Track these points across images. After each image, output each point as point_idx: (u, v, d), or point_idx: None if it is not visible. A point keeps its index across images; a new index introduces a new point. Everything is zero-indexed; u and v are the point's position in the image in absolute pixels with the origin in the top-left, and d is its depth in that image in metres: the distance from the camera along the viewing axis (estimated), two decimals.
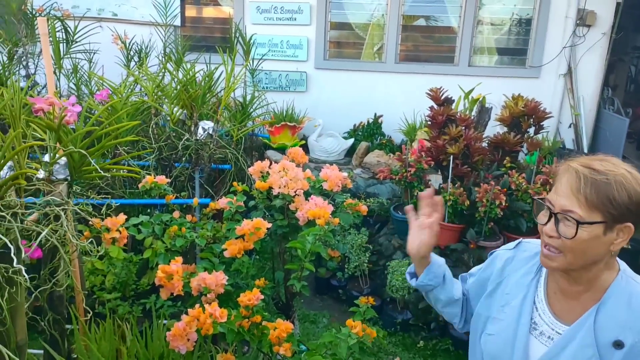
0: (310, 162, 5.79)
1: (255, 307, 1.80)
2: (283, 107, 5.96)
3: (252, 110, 4.39)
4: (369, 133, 6.18)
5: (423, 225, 1.47)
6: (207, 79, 3.35)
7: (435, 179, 4.64)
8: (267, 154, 5.72)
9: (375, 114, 6.22)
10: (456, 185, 3.88)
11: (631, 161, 7.62)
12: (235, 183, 2.49)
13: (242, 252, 2.10)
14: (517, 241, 1.51)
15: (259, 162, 2.53)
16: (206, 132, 3.22)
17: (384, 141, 6.01)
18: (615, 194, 1.16)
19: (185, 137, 3.13)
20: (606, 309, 1.26)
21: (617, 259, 1.31)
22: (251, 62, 5.07)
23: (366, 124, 6.24)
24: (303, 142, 6.06)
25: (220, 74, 3.69)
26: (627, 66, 9.63)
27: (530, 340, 1.35)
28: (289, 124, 5.81)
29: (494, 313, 1.42)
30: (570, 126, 5.84)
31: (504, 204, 3.61)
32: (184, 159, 3.13)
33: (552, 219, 1.22)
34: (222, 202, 2.40)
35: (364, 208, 2.71)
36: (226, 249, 2.11)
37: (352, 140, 6.06)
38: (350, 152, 6.09)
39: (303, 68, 6.24)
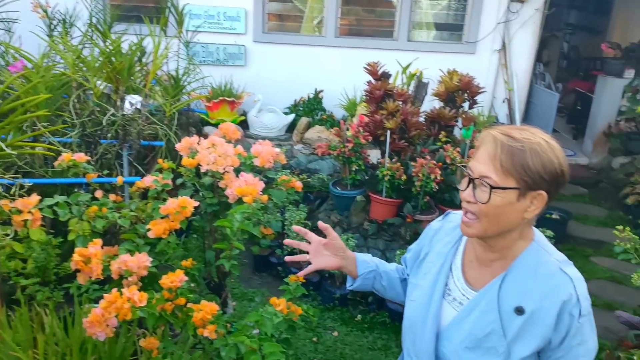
0: (250, 139, 5.69)
1: (180, 289, 1.74)
2: (221, 81, 5.80)
3: (186, 84, 4.23)
4: (309, 108, 6.12)
5: (318, 251, 1.54)
6: (133, 50, 3.18)
7: (374, 155, 4.65)
8: (205, 130, 5.56)
9: (316, 89, 6.16)
10: (393, 160, 3.89)
11: (562, 135, 7.93)
12: (160, 160, 2.38)
13: (168, 233, 2.02)
14: (445, 212, 1.55)
15: (187, 138, 2.43)
16: (134, 107, 3.07)
17: (324, 116, 5.97)
18: (529, 161, 1.18)
19: (111, 112, 2.97)
20: (512, 276, 1.29)
21: (534, 229, 1.34)
22: (185, 33, 4.87)
23: (307, 99, 6.18)
24: (243, 117, 5.94)
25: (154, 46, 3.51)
26: (559, 42, 9.93)
27: (444, 306, 1.38)
28: (227, 99, 5.67)
29: (417, 280, 1.46)
30: (504, 101, 5.98)
31: (439, 178, 3.65)
32: (109, 135, 2.97)
33: (471, 185, 1.24)
34: (148, 181, 2.29)
35: (298, 184, 2.65)
36: (150, 230, 2.02)
37: (292, 116, 5.99)
38: (291, 128, 6.03)
39: (241, 41, 6.08)
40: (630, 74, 6.37)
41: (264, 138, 5.47)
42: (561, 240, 4.58)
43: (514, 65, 5.93)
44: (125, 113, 3.03)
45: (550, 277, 1.26)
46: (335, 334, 3.44)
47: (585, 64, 9.32)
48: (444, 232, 1.48)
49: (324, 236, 1.56)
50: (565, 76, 9.25)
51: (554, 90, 6.05)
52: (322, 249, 1.54)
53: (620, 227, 2.32)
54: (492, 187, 1.19)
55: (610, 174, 6.31)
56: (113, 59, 3.06)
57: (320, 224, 1.56)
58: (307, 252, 1.55)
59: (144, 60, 4.08)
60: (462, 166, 1.32)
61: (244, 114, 6.03)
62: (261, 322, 1.71)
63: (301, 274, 1.57)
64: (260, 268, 4.13)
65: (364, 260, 1.60)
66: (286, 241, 1.63)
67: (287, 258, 1.57)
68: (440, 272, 1.41)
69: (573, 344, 1.25)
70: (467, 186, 1.26)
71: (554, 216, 4.69)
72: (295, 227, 1.61)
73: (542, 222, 4.50)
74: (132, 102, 3.08)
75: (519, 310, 1.25)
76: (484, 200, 1.21)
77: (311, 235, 1.56)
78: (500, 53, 5.94)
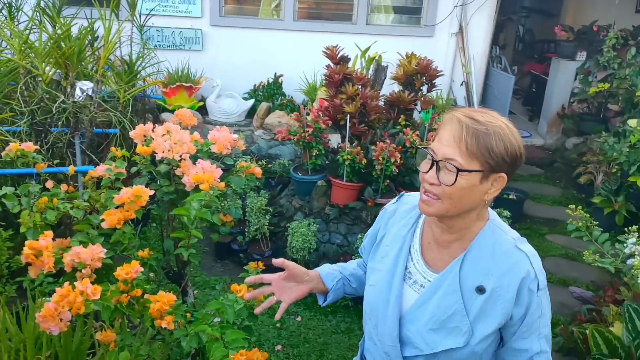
0: (209, 125, 5.59)
1: (136, 281, 1.70)
2: (178, 66, 5.67)
3: (140, 69, 4.11)
4: (269, 93, 6.06)
5: (282, 287, 1.53)
6: (83, 34, 3.06)
7: (334, 139, 4.65)
8: (163, 116, 5.44)
9: (276, 74, 6.10)
10: (354, 145, 3.90)
11: (518, 117, 8.09)
12: (113, 148, 2.31)
13: (123, 223, 1.96)
14: (399, 194, 1.54)
15: (141, 125, 2.36)
16: (85, 94, 2.97)
17: (284, 101, 5.92)
18: (494, 144, 1.19)
19: (61, 99, 2.86)
20: (471, 257, 1.31)
21: (489, 209, 1.36)
22: (138, 17, 4.73)
23: (266, 84, 6.11)
24: (201, 103, 5.83)
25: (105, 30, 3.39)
26: (515, 25, 10.10)
27: (405, 289, 1.38)
28: (184, 84, 5.55)
29: (375, 264, 1.46)
30: (462, 84, 6.05)
31: (399, 161, 3.68)
32: (60, 123, 2.87)
33: (434, 167, 1.24)
34: (101, 170, 2.22)
35: (257, 171, 2.62)
36: (104, 220, 1.96)
37: (252, 101, 5.92)
38: (251, 113, 5.96)
39: (198, 25, 5.95)
40: (582, 56, 6.54)
41: (223, 124, 5.38)
42: (518, 220, 4.70)
43: (471, 49, 6.00)
44: (76, 100, 2.93)
45: (507, 255, 1.28)
46: (299, 319, 3.45)
47: (539, 47, 9.51)
48: (399, 214, 1.48)
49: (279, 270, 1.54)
50: (520, 59, 9.42)
51: (510, 73, 6.16)
52: (284, 283, 1.52)
53: (573, 206, 2.39)
54: (458, 170, 1.19)
55: (564, 154, 6.50)
56: (62, 44, 2.95)
57: (274, 261, 1.52)
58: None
59: (95, 45, 3.95)
60: (423, 147, 1.31)
61: (203, 99, 5.93)
62: (222, 309, 1.69)
63: (277, 316, 1.52)
64: (222, 255, 4.09)
65: (328, 273, 1.58)
66: (247, 295, 1.58)
67: (257, 310, 1.54)
68: (399, 256, 1.40)
69: (535, 317, 1.29)
70: (430, 168, 1.25)
71: (511, 196, 4.80)
72: (247, 279, 1.57)
73: (499, 202, 4.60)
74: (83, 88, 2.98)
75: (480, 290, 1.28)
76: (450, 183, 1.21)
77: (267, 277, 1.53)
78: (457, 36, 6.00)
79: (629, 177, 4.54)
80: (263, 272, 2.05)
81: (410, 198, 1.48)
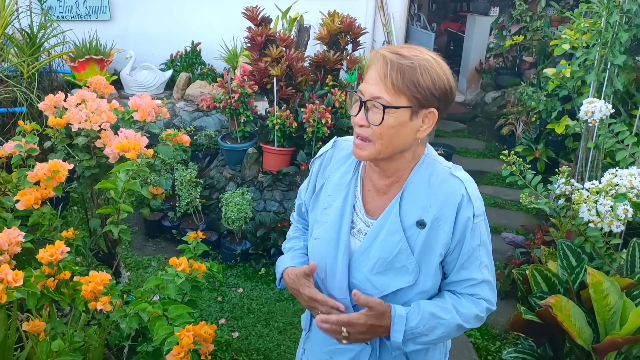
0: (126, 100, 5.26)
1: (62, 262, 1.53)
2: (85, 38, 5.26)
3: (43, 40, 3.77)
4: (188, 63, 5.79)
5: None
6: None
7: (262, 105, 4.51)
8: (74, 93, 5.06)
9: (193, 42, 5.82)
10: (282, 109, 3.79)
11: None
12: (21, 122, 2.08)
13: (40, 202, 1.77)
14: (332, 140, 1.47)
15: (51, 95, 2.14)
16: None
17: (205, 70, 5.68)
18: (420, 77, 1.15)
19: None
20: (409, 193, 1.28)
21: (428, 145, 1.32)
22: None
23: (184, 53, 5.83)
24: (115, 77, 5.48)
25: None
26: None
27: (350, 239, 1.35)
28: (94, 57, 5.18)
29: (318, 216, 1.39)
30: (383, 43, 6.04)
31: (330, 122, 3.62)
32: None
33: (363, 108, 1.20)
34: (9, 147, 1.99)
35: (185, 138, 2.46)
36: (19, 201, 1.76)
37: (170, 72, 5.64)
38: (170, 85, 5.68)
39: None
40: (495, 11, 6.71)
41: None
42: None
43: (390, 7, 5.98)
44: None
45: (442, 183, 1.26)
46: (240, 290, 3.35)
47: (453, 6, 9.71)
48: (336, 161, 1.41)
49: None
50: (435, 19, 9.57)
51: (429, 30, 6.21)
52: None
53: (506, 152, 2.42)
54: (384, 107, 1.15)
55: (484, 109, 6.70)
56: None
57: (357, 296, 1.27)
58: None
59: None
60: (353, 91, 1.26)
61: (116, 73, 5.57)
62: (162, 285, 1.57)
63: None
64: (153, 233, 3.90)
65: (293, 259, 1.46)
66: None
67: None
68: (344, 207, 1.35)
69: (474, 245, 1.27)
70: (359, 110, 1.21)
71: (439, 152, 4.87)
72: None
73: None
74: None
75: (421, 224, 1.25)
76: (377, 122, 1.17)
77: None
78: None
79: (547, 124, 4.74)
80: (202, 241, 1.94)
81: (346, 143, 1.42)
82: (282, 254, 1.54)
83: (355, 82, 3.91)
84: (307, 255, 1.47)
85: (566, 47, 3.57)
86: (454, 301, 1.30)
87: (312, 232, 1.42)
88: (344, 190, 1.37)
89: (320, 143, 3.73)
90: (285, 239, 1.59)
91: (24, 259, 1.77)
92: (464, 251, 1.27)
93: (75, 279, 1.59)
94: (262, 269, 3.54)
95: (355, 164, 1.38)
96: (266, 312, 3.16)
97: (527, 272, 2.37)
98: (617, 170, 1.97)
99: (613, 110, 2.47)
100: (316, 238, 1.40)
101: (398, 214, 1.27)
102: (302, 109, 3.69)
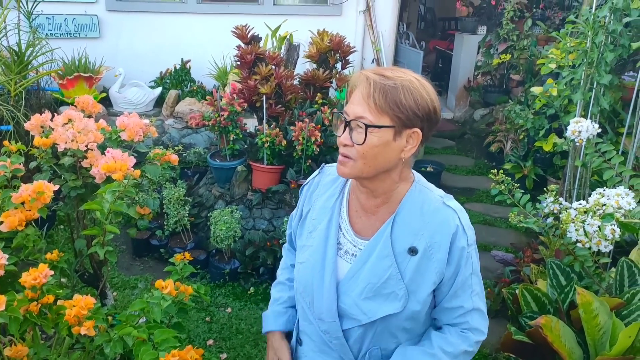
0: (114, 117, 5.23)
1: (46, 286, 1.50)
2: (75, 56, 5.25)
3: (31, 58, 3.75)
4: (177, 80, 5.79)
5: None
6: None
7: (251, 123, 4.51)
8: (61, 110, 5.03)
9: (183, 59, 5.82)
10: (272, 126, 3.78)
11: None
12: (6, 142, 2.06)
13: (24, 224, 1.74)
14: (321, 166, 1.49)
15: (37, 115, 2.12)
16: None
17: (194, 88, 5.68)
18: (402, 97, 1.17)
19: None
20: (401, 219, 1.28)
21: (413, 170, 1.34)
22: (25, 3, 4.31)
23: (173, 70, 5.83)
24: (104, 94, 5.46)
25: None
26: (417, 5, 10.36)
27: (337, 261, 1.34)
28: (83, 74, 5.16)
29: (304, 241, 1.40)
30: (372, 61, 6.08)
31: (319, 140, 3.62)
32: None
33: (347, 128, 1.21)
34: None
35: (174, 157, 2.44)
36: (3, 222, 1.73)
37: (160, 89, 5.63)
38: (160, 102, 5.67)
39: (92, 10, 5.53)
40: (483, 30, 6.79)
41: None
42: None
43: (379, 26, 6.03)
44: None
45: (435, 212, 1.27)
46: (229, 310, 3.31)
47: (441, 24, 9.83)
48: (323, 186, 1.43)
49: None
50: (424, 37, 9.67)
51: (418, 48, 6.27)
52: None
53: (494, 171, 2.43)
54: (367, 126, 1.17)
55: (473, 126, 6.74)
56: None
57: None
58: None
59: None
60: (339, 112, 1.27)
61: (105, 90, 5.55)
62: (148, 309, 1.54)
63: None
64: (141, 252, 3.85)
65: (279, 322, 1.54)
66: None
67: None
68: (329, 228, 1.35)
69: (467, 274, 1.28)
70: (344, 130, 1.22)
71: (428, 169, 4.90)
72: None
73: None
74: None
75: (412, 251, 1.26)
76: (360, 142, 1.18)
77: None
78: (365, 14, 6.01)
79: (535, 142, 4.77)
80: (190, 262, 1.92)
81: (332, 169, 1.43)
82: (272, 272, 1.54)
83: (345, 100, 3.92)
84: (291, 308, 1.52)
85: (552, 66, 3.61)
86: (441, 342, 1.30)
87: (298, 257, 1.42)
88: (328, 212, 1.37)
89: (310, 161, 3.72)
90: (274, 258, 1.60)
91: (6, 282, 1.74)
92: (458, 280, 1.28)
93: (59, 302, 1.57)
94: (251, 288, 3.51)
95: (341, 187, 1.39)
96: (255, 332, 3.12)
97: (517, 291, 2.36)
98: (604, 190, 1.98)
99: (600, 130, 2.49)
100: (302, 262, 1.39)
101: (390, 238, 1.27)
102: (292, 127, 3.69)
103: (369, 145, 1.18)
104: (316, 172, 1.48)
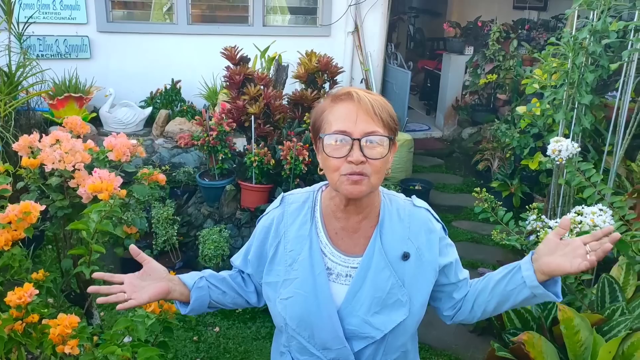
0: (104, 137, 5.25)
1: (31, 305, 1.52)
2: (65, 76, 5.28)
3: (22, 78, 3.79)
4: (167, 100, 5.83)
5: (136, 286, 1.34)
6: None
7: (240, 142, 4.55)
8: (51, 130, 5.03)
9: (173, 80, 5.87)
10: (260, 146, 3.82)
11: (416, 111, 8.38)
12: None
13: (11, 243, 1.76)
14: (279, 197, 1.42)
15: (25, 136, 2.14)
16: None
17: (184, 107, 5.72)
18: (391, 111, 1.25)
19: None
20: (385, 229, 1.32)
21: None
22: (16, 25, 4.36)
23: (164, 90, 5.87)
24: (94, 114, 5.49)
25: None
26: (406, 25, 10.51)
27: (330, 286, 1.30)
28: (74, 95, 5.19)
29: (284, 275, 1.33)
30: (361, 81, 6.16)
31: (307, 159, 3.65)
32: None
33: (355, 147, 1.18)
34: None
35: (161, 177, 2.47)
36: None
37: (150, 109, 5.67)
38: (150, 122, 5.70)
39: (84, 32, 5.59)
40: (470, 50, 6.91)
41: None
42: None
43: (368, 46, 6.13)
44: None
45: (412, 216, 1.35)
46: (217, 329, 3.31)
47: (430, 45, 9.97)
48: (289, 216, 1.36)
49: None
50: (413, 57, 9.82)
51: (406, 68, 6.36)
52: (140, 282, 1.34)
53: (478, 189, 2.47)
54: (389, 139, 1.22)
55: (461, 144, 6.82)
56: None
57: (132, 248, 1.36)
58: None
59: None
60: (337, 134, 1.20)
61: (95, 110, 5.58)
62: (132, 327, 1.55)
63: (120, 307, 1.29)
64: (129, 271, 3.81)
65: (190, 275, 1.42)
66: (99, 300, 1.32)
67: (99, 300, 1.29)
68: (312, 257, 1.31)
69: (453, 262, 1.38)
70: (351, 150, 1.18)
71: (417, 187, 4.95)
72: (96, 275, 1.38)
73: (406, 193, 4.72)
74: None
75: (406, 256, 1.30)
76: (381, 155, 1.21)
77: (118, 277, 1.34)
78: (354, 35, 6.11)
79: (521, 160, 4.84)
80: None
81: (294, 197, 1.40)
82: (208, 290, 1.45)
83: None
84: (204, 278, 1.41)
85: (536, 86, 3.69)
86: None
87: (280, 294, 1.33)
88: (306, 240, 1.32)
89: (298, 180, 3.76)
90: (222, 293, 1.49)
91: None
92: (449, 269, 1.36)
93: (43, 321, 1.58)
94: None
95: (311, 213, 1.35)
96: (243, 351, 3.12)
97: None
98: (582, 208, 2.03)
99: (579, 149, 2.55)
100: (289, 297, 1.31)
101: (382, 250, 1.29)
102: (280, 147, 3.73)
103: (385, 159, 1.22)
104: (275, 203, 1.42)
